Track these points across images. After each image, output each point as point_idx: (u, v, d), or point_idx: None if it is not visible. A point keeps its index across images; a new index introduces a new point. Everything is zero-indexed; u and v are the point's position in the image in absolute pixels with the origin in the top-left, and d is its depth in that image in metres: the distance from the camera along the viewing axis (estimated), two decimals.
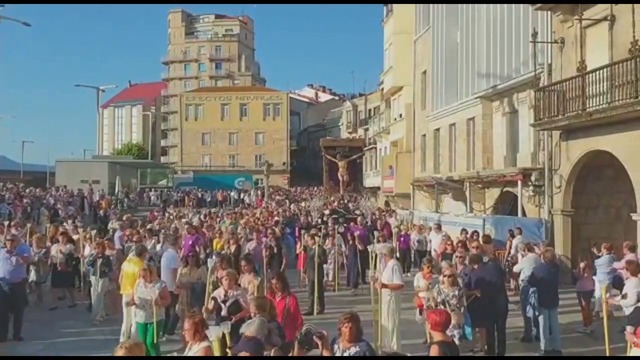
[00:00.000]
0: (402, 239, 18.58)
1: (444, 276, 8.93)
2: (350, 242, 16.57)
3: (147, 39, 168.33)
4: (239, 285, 8.66)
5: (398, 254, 18.49)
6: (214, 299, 8.04)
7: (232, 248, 14.62)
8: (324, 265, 15.35)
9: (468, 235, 15.97)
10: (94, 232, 15.15)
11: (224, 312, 7.80)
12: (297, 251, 16.15)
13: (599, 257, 12.66)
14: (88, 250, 13.52)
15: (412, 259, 18.81)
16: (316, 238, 14.78)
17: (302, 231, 17.92)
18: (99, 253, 12.19)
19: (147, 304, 8.67)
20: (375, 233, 15.33)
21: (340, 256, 16.34)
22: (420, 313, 9.49)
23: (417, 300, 9.78)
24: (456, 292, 8.75)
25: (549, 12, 17.22)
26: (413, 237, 18.92)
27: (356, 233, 16.72)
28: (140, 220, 21.76)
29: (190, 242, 15.46)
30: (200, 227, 18.63)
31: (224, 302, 7.91)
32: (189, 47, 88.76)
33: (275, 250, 14.98)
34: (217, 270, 9.53)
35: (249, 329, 5.61)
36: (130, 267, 10.44)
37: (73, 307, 13.48)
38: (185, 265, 10.68)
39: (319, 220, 21.46)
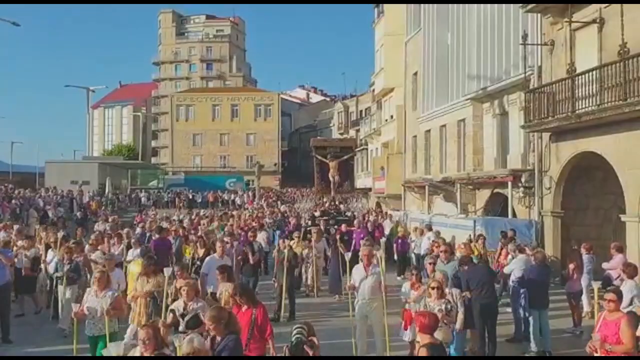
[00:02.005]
0: (399, 241, 18.46)
1: (430, 288, 8.08)
2: (333, 246, 15.79)
3: (138, 40, 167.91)
4: (216, 295, 8.13)
5: (396, 257, 18.47)
6: (173, 311, 7.38)
7: (200, 252, 13.49)
8: (306, 269, 15.00)
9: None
10: (59, 234, 13.89)
11: (181, 327, 7.09)
12: (273, 255, 15.20)
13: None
14: (51, 255, 12.62)
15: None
16: (285, 241, 14.11)
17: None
18: (67, 259, 11.26)
19: (97, 314, 7.81)
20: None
21: (320, 259, 15.48)
22: (406, 329, 8.56)
23: (406, 314, 8.54)
24: (443, 307, 7.84)
25: (539, 15, 17.33)
26: (413, 240, 18.35)
27: (359, 236, 16.08)
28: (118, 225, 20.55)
29: (154, 245, 14.34)
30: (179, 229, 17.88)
31: (183, 315, 7.24)
32: (180, 48, 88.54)
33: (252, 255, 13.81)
34: (176, 280, 8.70)
35: (189, 347, 5.21)
36: (136, 269, 10.15)
37: (38, 313, 12.72)
38: (144, 273, 9.55)
39: (310, 222, 21.16)
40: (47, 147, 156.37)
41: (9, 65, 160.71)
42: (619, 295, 6.79)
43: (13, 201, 28.45)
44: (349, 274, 10.13)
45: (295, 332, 5.40)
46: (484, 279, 9.61)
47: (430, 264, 9.95)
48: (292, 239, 15.81)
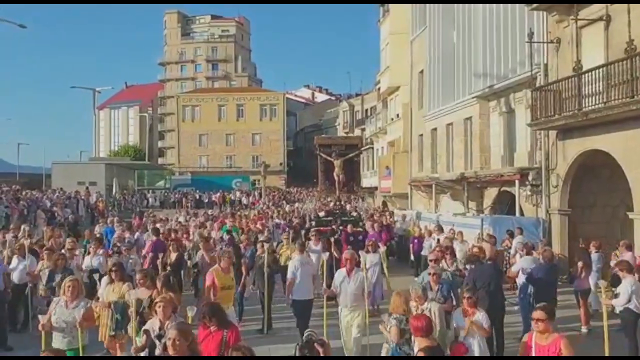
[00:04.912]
0: (415, 241, 18.19)
1: (391, 312, 7.02)
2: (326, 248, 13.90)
3: (143, 40, 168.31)
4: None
5: (413, 257, 18.07)
6: (146, 332, 6.47)
7: (172, 257, 12.45)
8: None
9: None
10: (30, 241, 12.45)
11: (159, 351, 6.20)
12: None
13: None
14: (15, 262, 11.56)
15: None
16: (265, 245, 12.54)
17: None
18: (60, 267, 10.37)
19: (68, 326, 7.24)
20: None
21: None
22: None
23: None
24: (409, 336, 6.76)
25: (544, 13, 17.28)
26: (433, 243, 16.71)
27: (372, 239, 14.52)
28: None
29: (151, 249, 13.31)
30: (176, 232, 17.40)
31: (160, 337, 6.22)
32: (185, 48, 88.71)
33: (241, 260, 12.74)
34: (135, 290, 7.99)
35: None
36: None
37: None
38: (110, 282, 8.69)
39: (314, 223, 20.61)
40: (54, 149, 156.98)
41: (16, 66, 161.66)
42: (550, 313, 5.97)
43: (20, 202, 28.52)
44: (325, 277, 9.68)
45: (306, 333, 5.44)
46: (490, 278, 9.60)
47: (432, 274, 8.86)
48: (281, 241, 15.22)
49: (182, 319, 6.47)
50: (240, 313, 11.38)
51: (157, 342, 6.25)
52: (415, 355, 5.97)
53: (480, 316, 7.47)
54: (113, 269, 8.73)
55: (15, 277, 11.41)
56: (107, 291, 8.49)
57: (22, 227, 16.73)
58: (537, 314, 5.83)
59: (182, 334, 5.12)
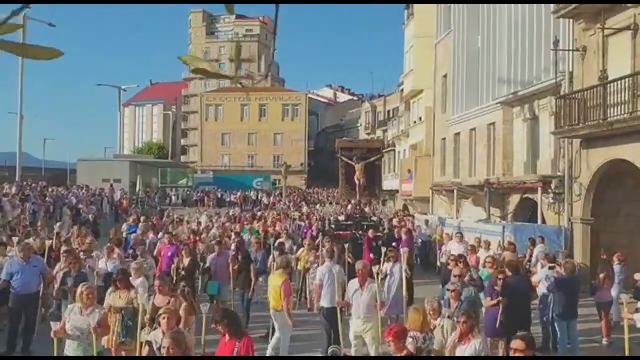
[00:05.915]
0: (443, 247, 17.66)
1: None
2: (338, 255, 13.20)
3: (169, 39, 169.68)
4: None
5: (439, 263, 17.60)
6: (149, 344, 6.32)
7: (186, 262, 12.12)
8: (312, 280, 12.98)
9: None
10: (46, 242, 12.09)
11: None
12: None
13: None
14: None
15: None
16: (275, 253, 12.45)
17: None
18: (75, 270, 9.98)
19: (83, 334, 7.05)
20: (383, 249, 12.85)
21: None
22: None
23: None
24: (410, 340, 6.33)
25: (571, 20, 17.15)
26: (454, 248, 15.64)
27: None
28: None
29: (169, 254, 12.91)
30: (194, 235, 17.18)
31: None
32: (210, 47, 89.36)
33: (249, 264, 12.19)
34: (153, 297, 7.79)
35: None
36: (275, 280, 9.70)
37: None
38: (115, 289, 8.32)
39: (334, 227, 20.33)
40: (79, 144, 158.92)
41: (43, 64, 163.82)
42: (530, 343, 5.36)
43: (47, 200, 28.90)
44: (338, 288, 9.39)
45: (331, 349, 5.55)
46: (519, 291, 9.56)
47: (451, 291, 8.54)
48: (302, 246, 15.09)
49: (186, 332, 6.46)
50: (246, 320, 11.13)
51: (158, 353, 6.06)
52: None
53: (477, 345, 6.40)
54: (117, 277, 8.43)
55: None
56: (113, 298, 8.22)
57: (56, 226, 16.83)
58: (517, 344, 5.21)
59: (176, 343, 5.25)
